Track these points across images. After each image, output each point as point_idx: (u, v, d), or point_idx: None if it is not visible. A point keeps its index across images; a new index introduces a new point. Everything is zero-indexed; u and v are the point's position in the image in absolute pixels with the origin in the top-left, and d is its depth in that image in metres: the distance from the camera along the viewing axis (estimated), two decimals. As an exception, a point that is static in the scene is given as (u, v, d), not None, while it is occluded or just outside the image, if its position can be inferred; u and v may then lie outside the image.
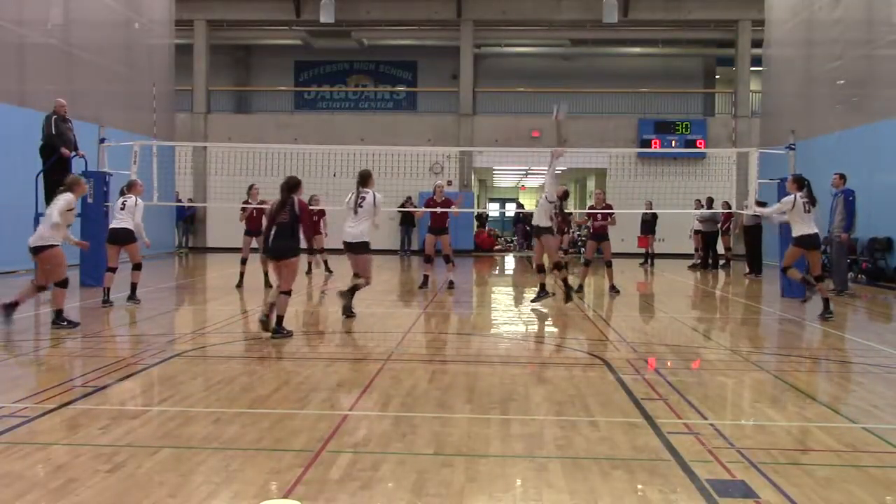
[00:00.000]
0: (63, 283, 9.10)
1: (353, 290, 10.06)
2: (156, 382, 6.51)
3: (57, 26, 18.52)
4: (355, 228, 10.03)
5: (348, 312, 10.06)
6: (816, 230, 10.71)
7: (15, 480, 3.98)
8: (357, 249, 10.09)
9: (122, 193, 11.71)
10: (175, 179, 22.72)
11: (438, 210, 13.89)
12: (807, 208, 10.65)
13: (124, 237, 11.25)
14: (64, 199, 9.14)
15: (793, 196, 10.72)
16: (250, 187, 15.07)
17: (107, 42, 20.16)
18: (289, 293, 8.57)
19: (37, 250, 9.02)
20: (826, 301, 10.50)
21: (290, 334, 8.50)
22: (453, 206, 14.03)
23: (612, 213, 14.24)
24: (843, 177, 13.76)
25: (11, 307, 8.85)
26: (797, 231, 10.71)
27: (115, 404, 5.68)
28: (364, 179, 10.22)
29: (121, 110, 19.91)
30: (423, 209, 14.46)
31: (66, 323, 8.97)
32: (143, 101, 20.34)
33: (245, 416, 5.27)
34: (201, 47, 27.64)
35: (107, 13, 20.17)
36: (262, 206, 14.69)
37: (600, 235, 14.05)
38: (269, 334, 8.38)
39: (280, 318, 8.49)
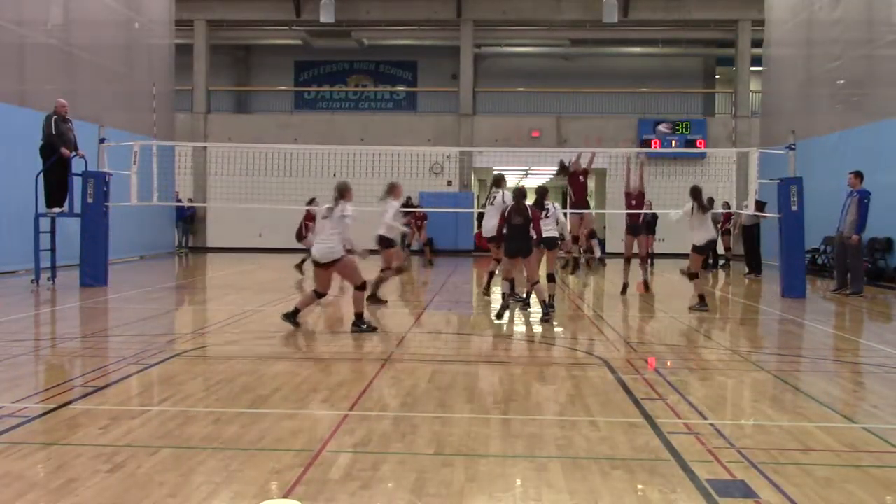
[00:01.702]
0: (362, 286, 9.18)
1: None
2: (156, 382, 6.51)
3: (57, 26, 18.51)
4: (488, 223, 11.79)
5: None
6: (715, 236, 11.72)
7: (15, 480, 3.98)
8: (492, 241, 11.88)
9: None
10: (175, 179, 22.72)
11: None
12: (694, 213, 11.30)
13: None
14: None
15: (690, 204, 11.35)
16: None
17: (107, 42, 20.15)
18: (539, 281, 10.28)
19: (332, 263, 8.94)
20: (701, 296, 11.30)
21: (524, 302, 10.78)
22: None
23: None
24: (859, 175, 13.50)
25: (293, 315, 9.14)
26: (697, 238, 11.38)
27: (115, 404, 5.68)
28: (497, 182, 12.16)
29: (121, 110, 19.90)
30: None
31: (365, 326, 8.94)
32: (143, 101, 20.33)
33: (245, 416, 5.27)
34: (201, 47, 27.63)
35: (107, 13, 20.17)
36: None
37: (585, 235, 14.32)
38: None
39: (521, 291, 10.65)
